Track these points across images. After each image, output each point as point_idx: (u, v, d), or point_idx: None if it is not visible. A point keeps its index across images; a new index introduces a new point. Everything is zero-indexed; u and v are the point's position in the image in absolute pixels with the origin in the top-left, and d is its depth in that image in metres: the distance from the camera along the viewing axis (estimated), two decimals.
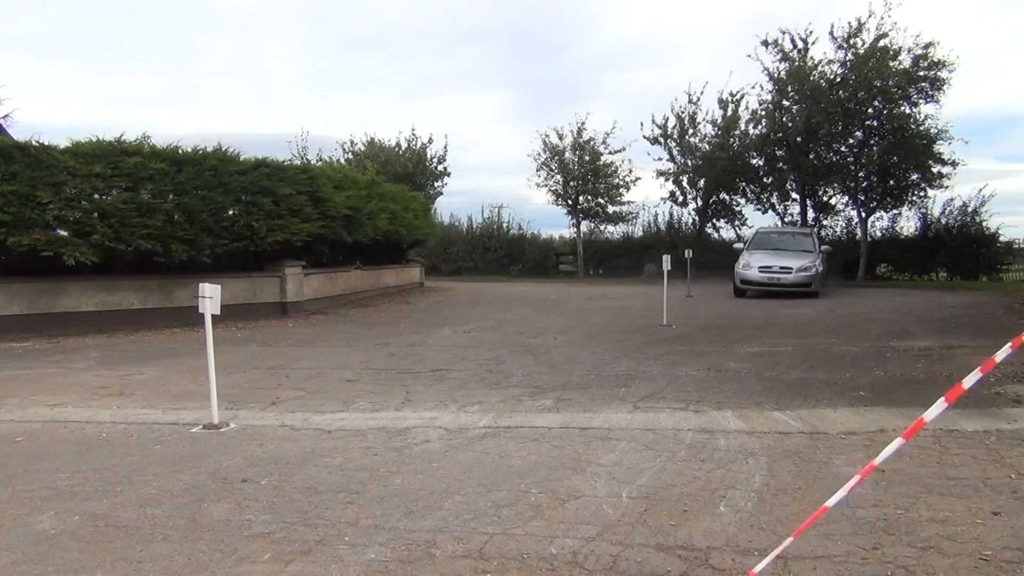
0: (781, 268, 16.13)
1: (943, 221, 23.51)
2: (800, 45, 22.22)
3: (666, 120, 25.51)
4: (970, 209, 23.14)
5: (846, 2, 52.70)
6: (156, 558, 2.82)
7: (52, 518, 3.28)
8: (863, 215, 23.20)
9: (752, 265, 16.48)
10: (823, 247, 17.90)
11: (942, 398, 2.09)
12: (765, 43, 22.48)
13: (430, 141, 30.07)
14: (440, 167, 30.30)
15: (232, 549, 2.91)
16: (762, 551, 2.77)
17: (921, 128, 21.41)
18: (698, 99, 24.98)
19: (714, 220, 26.68)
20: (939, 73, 20.70)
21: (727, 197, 25.92)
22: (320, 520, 3.20)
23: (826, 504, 2.34)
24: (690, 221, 27.09)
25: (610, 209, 28.63)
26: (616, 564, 2.72)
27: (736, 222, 26.10)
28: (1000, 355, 1.98)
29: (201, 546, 2.94)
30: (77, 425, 5.09)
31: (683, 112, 25.26)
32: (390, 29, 66.95)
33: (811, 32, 22.06)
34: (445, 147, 30.24)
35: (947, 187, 22.04)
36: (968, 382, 2.05)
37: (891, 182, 22.39)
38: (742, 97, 24.34)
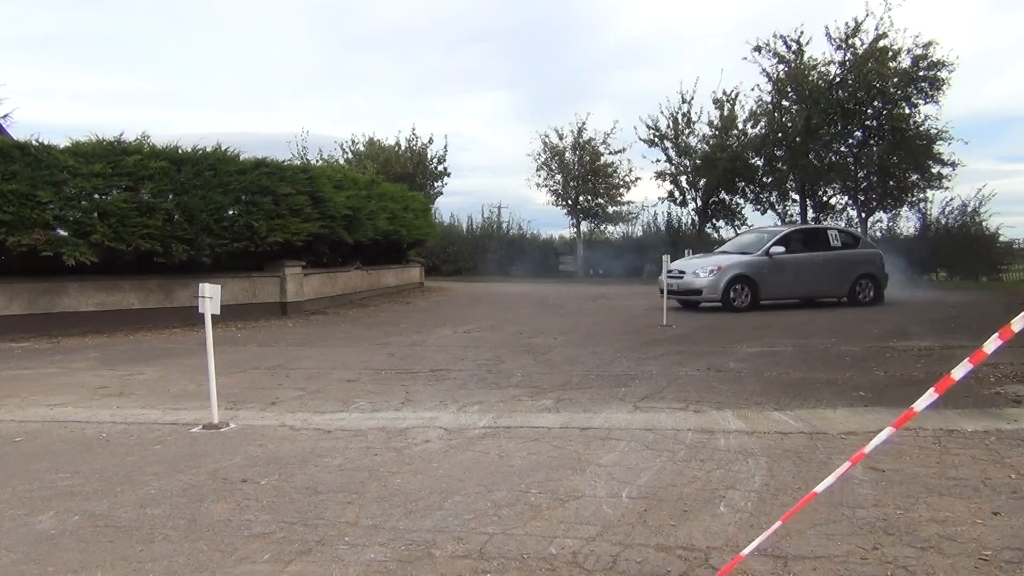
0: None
1: (943, 221, 23.53)
2: (794, 47, 22.25)
3: (655, 121, 25.50)
4: (970, 209, 23.18)
5: (850, 1, 52.79)
6: (156, 558, 2.82)
7: (52, 518, 3.27)
8: (863, 215, 23.22)
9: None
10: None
11: (931, 388, 2.12)
12: (758, 48, 22.53)
13: (430, 141, 30.12)
14: (440, 167, 30.34)
15: (232, 549, 2.91)
16: (762, 551, 2.77)
17: (921, 128, 21.43)
18: (691, 98, 24.96)
19: (714, 220, 26.69)
20: (939, 73, 20.73)
21: (727, 197, 25.92)
22: (320, 520, 3.20)
23: (815, 489, 2.35)
24: (690, 221, 27.12)
25: (610, 209, 28.66)
26: (616, 564, 2.72)
27: (736, 222, 26.13)
28: (989, 346, 1.99)
29: (201, 546, 2.93)
30: (77, 425, 5.08)
31: (676, 112, 25.24)
32: (392, 29, 66.99)
33: (802, 33, 22.08)
34: (445, 147, 30.31)
35: (947, 187, 22.08)
36: (958, 373, 2.07)
37: (891, 182, 22.41)
38: (737, 96, 24.34)
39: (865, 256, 14.26)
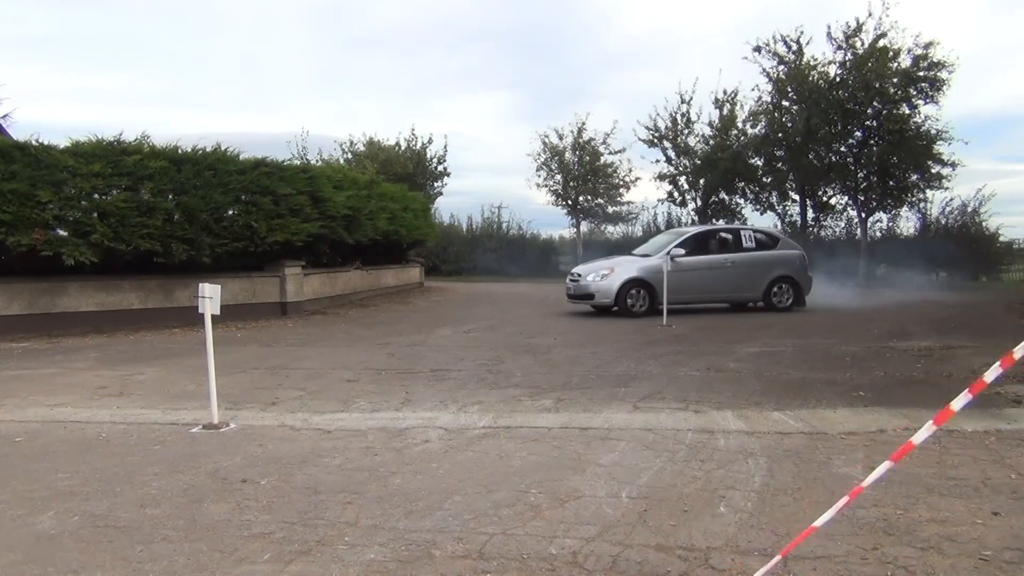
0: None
1: (942, 221, 23.52)
2: (793, 47, 22.23)
3: (655, 122, 25.48)
4: (969, 209, 23.17)
5: (851, 1, 52.74)
6: (156, 558, 2.82)
7: (52, 518, 3.27)
8: (863, 215, 23.21)
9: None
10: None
11: (966, 390, 2.09)
12: (758, 48, 22.50)
13: (430, 141, 30.08)
14: (440, 167, 30.31)
15: (232, 549, 2.91)
16: (762, 551, 2.78)
17: (921, 129, 21.41)
18: (690, 99, 24.94)
19: (714, 220, 26.67)
20: (939, 73, 20.69)
21: (726, 197, 25.90)
22: (320, 520, 3.20)
23: (814, 524, 2.35)
24: (690, 221, 27.08)
25: (610, 209, 28.65)
26: (616, 564, 2.72)
27: (736, 222, 26.11)
28: (1019, 351, 1.96)
29: (201, 546, 2.93)
30: (77, 425, 5.08)
31: (675, 112, 25.22)
32: (392, 29, 67.02)
33: (802, 33, 22.07)
34: (445, 147, 30.26)
35: (947, 188, 22.07)
36: (989, 376, 2.05)
37: (891, 182, 22.39)
38: (737, 96, 24.31)
39: (783, 258, 13.32)
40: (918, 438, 2.17)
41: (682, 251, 12.74)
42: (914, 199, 22.97)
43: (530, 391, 6.10)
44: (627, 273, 12.46)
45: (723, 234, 13.82)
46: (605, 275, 12.58)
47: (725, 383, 6.34)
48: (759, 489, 3.54)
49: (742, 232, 13.76)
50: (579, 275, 13.11)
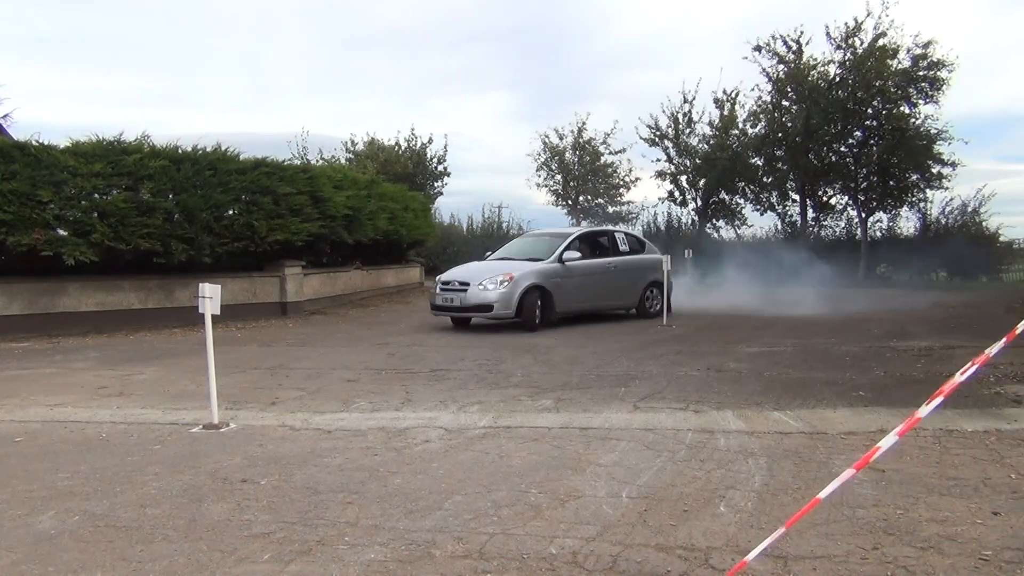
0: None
1: (943, 221, 23.51)
2: (793, 47, 22.23)
3: (656, 120, 25.49)
4: (969, 209, 23.16)
5: (850, 1, 52.74)
6: (156, 558, 2.82)
7: (52, 518, 3.27)
8: (863, 215, 23.20)
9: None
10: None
11: (939, 396, 2.14)
12: (758, 48, 22.50)
13: (430, 141, 30.04)
14: (440, 167, 30.29)
15: (232, 549, 2.90)
16: (763, 551, 2.77)
17: (921, 128, 21.41)
18: (693, 98, 24.94)
19: (714, 220, 26.68)
20: (938, 73, 20.71)
21: (727, 197, 25.90)
22: (320, 520, 3.20)
23: (819, 496, 2.35)
24: (690, 221, 27.10)
25: (610, 209, 28.67)
26: (616, 564, 2.72)
27: (736, 222, 26.13)
28: (994, 349, 2.03)
29: (201, 546, 2.93)
30: (77, 425, 5.08)
31: (677, 112, 25.23)
32: (392, 29, 67.05)
33: (802, 33, 22.08)
34: (445, 147, 30.21)
35: (947, 188, 22.07)
36: (992, 350, 2.12)
37: (891, 182, 22.39)
38: (737, 95, 24.32)
39: (652, 262, 12.27)
40: (923, 412, 2.19)
41: (577, 254, 11.42)
42: (914, 199, 22.98)
43: (530, 391, 6.10)
44: (527, 280, 10.70)
45: (603, 236, 12.80)
46: (503, 282, 10.54)
47: (725, 383, 6.34)
48: (759, 489, 3.54)
49: (616, 234, 12.84)
50: (464, 284, 10.78)
